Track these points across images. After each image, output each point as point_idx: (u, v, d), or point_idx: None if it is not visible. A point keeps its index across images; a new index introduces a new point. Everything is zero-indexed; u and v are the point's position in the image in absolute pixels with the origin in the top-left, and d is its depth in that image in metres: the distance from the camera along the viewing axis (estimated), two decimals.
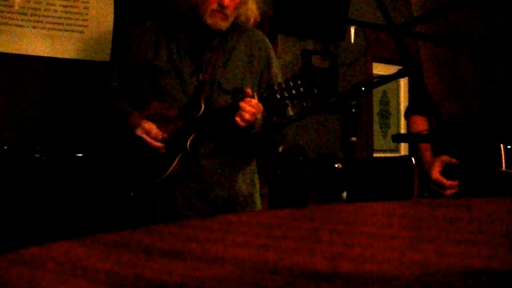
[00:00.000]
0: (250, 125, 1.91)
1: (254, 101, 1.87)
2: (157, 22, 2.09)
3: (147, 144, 1.94)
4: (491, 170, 1.97)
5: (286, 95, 1.87)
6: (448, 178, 2.06)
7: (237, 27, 2.07)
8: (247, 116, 1.86)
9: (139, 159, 1.99)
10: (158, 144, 1.94)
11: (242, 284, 0.52)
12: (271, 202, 3.39)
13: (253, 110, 1.86)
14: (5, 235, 2.35)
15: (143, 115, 1.98)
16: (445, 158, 2.10)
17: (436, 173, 2.08)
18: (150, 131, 1.94)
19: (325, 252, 0.68)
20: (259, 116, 1.89)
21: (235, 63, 2.02)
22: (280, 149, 2.15)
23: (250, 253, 0.67)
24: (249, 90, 1.90)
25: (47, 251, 0.65)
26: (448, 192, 2.07)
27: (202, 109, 1.94)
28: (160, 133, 1.95)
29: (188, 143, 1.93)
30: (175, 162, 1.93)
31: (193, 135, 1.94)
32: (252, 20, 2.08)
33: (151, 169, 1.95)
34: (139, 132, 1.95)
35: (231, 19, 2.00)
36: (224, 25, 1.98)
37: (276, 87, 1.88)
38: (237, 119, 1.87)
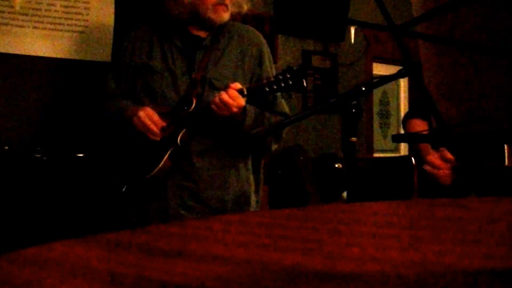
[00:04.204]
0: (237, 120, 1.92)
1: (232, 91, 1.88)
2: (151, 25, 2.13)
3: (146, 128, 1.94)
4: (497, 167, 1.98)
5: (275, 87, 1.90)
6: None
7: (230, 25, 2.10)
8: (217, 100, 1.88)
9: (131, 154, 2.00)
10: (156, 129, 1.94)
11: (242, 284, 0.52)
12: (271, 202, 3.39)
13: (225, 98, 1.87)
14: (6, 235, 2.35)
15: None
16: (445, 151, 2.12)
17: (431, 156, 2.10)
18: (151, 116, 1.95)
19: (325, 252, 0.68)
20: (234, 109, 1.89)
21: (227, 61, 2.04)
22: (274, 147, 2.15)
23: (250, 253, 0.67)
24: (235, 84, 1.91)
25: (48, 251, 0.66)
26: (442, 173, 2.09)
27: (194, 105, 1.95)
28: (160, 120, 1.96)
29: (179, 138, 1.94)
30: (165, 157, 1.94)
31: (183, 131, 1.95)
32: (245, 7, 2.10)
33: (142, 164, 1.97)
34: (140, 113, 1.95)
35: (230, 9, 2.03)
36: (227, 16, 2.03)
37: (264, 80, 1.92)
38: (212, 105, 1.90)
